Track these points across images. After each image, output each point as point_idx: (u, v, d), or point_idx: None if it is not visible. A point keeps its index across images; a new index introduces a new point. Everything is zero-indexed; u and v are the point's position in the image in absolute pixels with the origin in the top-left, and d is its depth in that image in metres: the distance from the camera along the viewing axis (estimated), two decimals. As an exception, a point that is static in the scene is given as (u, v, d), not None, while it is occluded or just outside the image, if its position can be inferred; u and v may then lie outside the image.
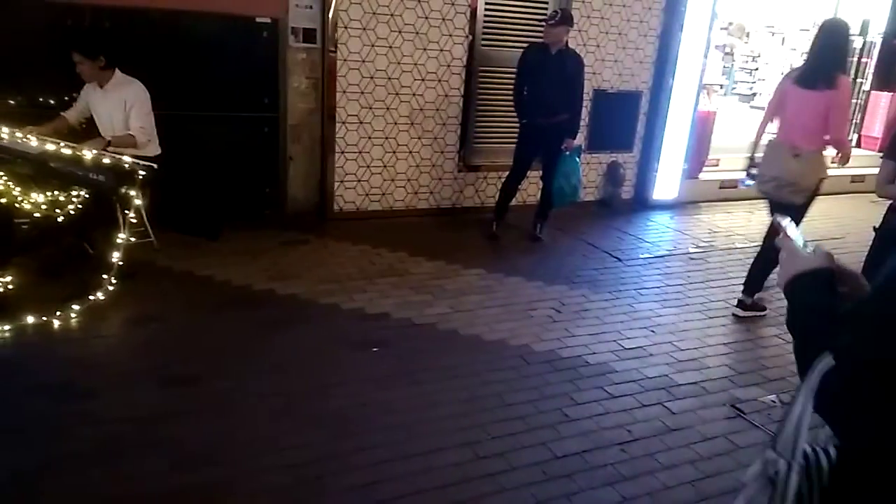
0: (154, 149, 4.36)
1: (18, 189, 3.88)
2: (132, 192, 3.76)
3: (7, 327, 3.38)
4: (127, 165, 3.76)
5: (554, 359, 3.64)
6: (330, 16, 5.27)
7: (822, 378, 1.08)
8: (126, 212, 3.81)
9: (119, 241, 3.83)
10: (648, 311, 4.36)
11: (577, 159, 5.48)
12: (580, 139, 5.63)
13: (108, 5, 4.63)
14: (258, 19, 5.16)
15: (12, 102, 4.54)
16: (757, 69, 13.69)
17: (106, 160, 3.73)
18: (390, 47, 5.61)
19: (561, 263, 5.14)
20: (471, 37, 5.88)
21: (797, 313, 1.22)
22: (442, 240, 5.50)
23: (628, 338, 3.96)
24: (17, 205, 3.86)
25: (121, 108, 4.19)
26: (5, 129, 3.87)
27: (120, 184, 3.69)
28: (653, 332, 4.07)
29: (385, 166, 5.90)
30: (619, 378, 3.50)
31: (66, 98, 4.49)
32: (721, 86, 11.86)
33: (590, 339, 3.89)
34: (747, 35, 13.47)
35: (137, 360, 3.35)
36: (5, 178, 3.88)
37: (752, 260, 4.46)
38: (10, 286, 3.67)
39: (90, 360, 3.29)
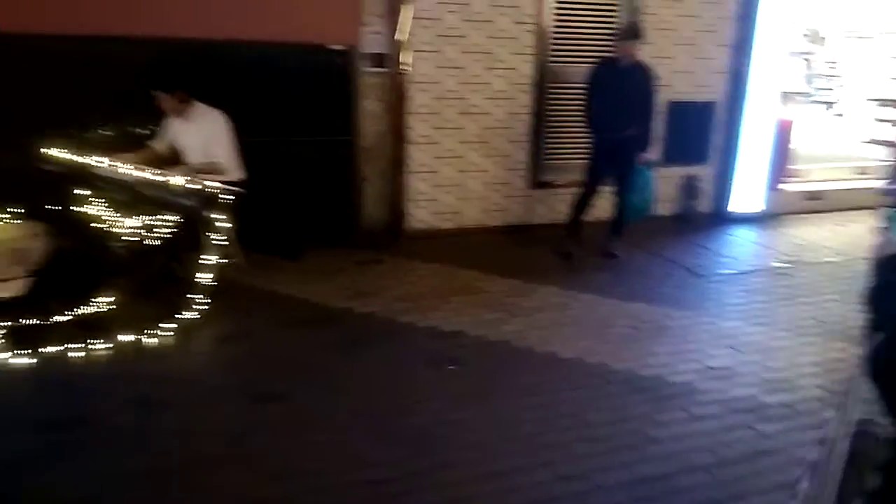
0: (238, 173, 4.55)
1: (114, 214, 4.11)
2: (219, 216, 3.92)
3: (105, 344, 3.57)
4: (213, 191, 3.94)
5: (634, 378, 3.55)
6: (400, 41, 5.39)
7: (874, 348, 1.15)
8: (213, 234, 3.97)
9: (208, 262, 4.00)
10: (733, 329, 4.20)
11: (650, 173, 5.38)
12: (654, 152, 5.52)
13: (189, 39, 4.88)
14: (332, 47, 5.33)
15: (107, 133, 4.82)
16: (836, 76, 13.11)
17: (193, 186, 3.92)
18: (459, 68, 5.68)
19: (637, 280, 5.03)
20: (539, 54, 5.89)
21: (874, 289, 1.37)
22: (514, 257, 5.49)
23: (712, 357, 3.83)
24: (113, 229, 4.08)
25: (203, 137, 4.40)
26: (102, 159, 4.13)
27: (207, 208, 3.87)
28: (738, 350, 3.92)
29: (456, 185, 5.96)
30: (704, 398, 3.38)
31: (154, 128, 4.73)
32: (804, 94, 11.42)
33: (671, 358, 3.79)
34: (823, 41, 12.94)
35: (226, 377, 3.48)
36: (102, 204, 4.12)
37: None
38: (107, 306, 3.88)
39: (181, 376, 3.43)
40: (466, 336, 3.99)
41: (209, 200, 3.91)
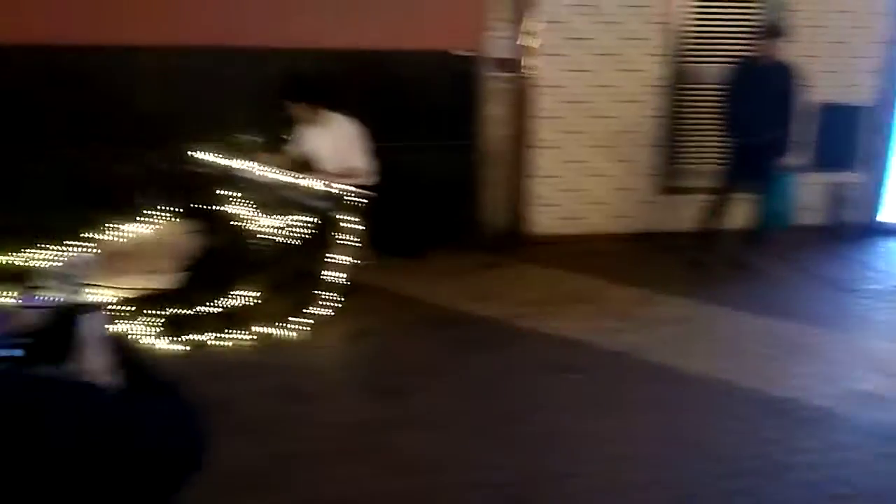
0: (371, 178, 4.75)
1: (256, 214, 4.42)
2: (350, 218, 4.12)
3: (245, 336, 3.85)
4: (345, 194, 4.14)
5: (767, 399, 3.35)
6: (527, 45, 5.40)
7: None
8: (345, 235, 4.17)
9: (339, 261, 4.21)
10: (882, 351, 3.86)
11: (791, 180, 5.05)
12: (797, 157, 5.17)
13: (319, 49, 5.15)
14: (457, 53, 5.42)
15: (250, 138, 5.17)
16: None
17: (327, 189, 4.13)
18: (587, 71, 5.60)
19: (776, 293, 4.74)
20: (671, 55, 5.69)
21: None
22: (640, 265, 5.34)
23: (857, 380, 3.53)
24: (254, 228, 4.39)
25: (336, 144, 4.62)
26: (247, 162, 4.46)
27: (339, 210, 4.07)
28: (888, 375, 3.60)
29: (580, 190, 5.88)
30: (846, 425, 3.13)
31: (292, 135, 5.01)
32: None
33: (811, 380, 3.54)
34: None
35: (352, 371, 3.67)
36: (245, 204, 4.44)
37: None
38: (249, 300, 4.18)
39: (313, 368, 3.65)
40: (586, 345, 3.94)
41: (341, 203, 4.11)
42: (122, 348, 1.02)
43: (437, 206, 5.44)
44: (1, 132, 4.36)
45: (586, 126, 5.73)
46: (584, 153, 5.80)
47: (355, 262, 4.58)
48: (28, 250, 4.67)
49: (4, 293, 4.03)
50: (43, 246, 4.66)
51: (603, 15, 5.51)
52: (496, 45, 5.44)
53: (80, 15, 4.86)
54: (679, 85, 5.78)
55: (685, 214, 5.90)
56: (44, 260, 4.45)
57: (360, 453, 2.86)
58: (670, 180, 5.99)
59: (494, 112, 5.62)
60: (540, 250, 5.60)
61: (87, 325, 1.02)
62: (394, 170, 5.20)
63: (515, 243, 5.75)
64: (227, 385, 3.40)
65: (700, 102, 5.77)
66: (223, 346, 3.80)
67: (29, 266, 4.54)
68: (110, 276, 4.13)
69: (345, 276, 4.27)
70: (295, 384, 3.42)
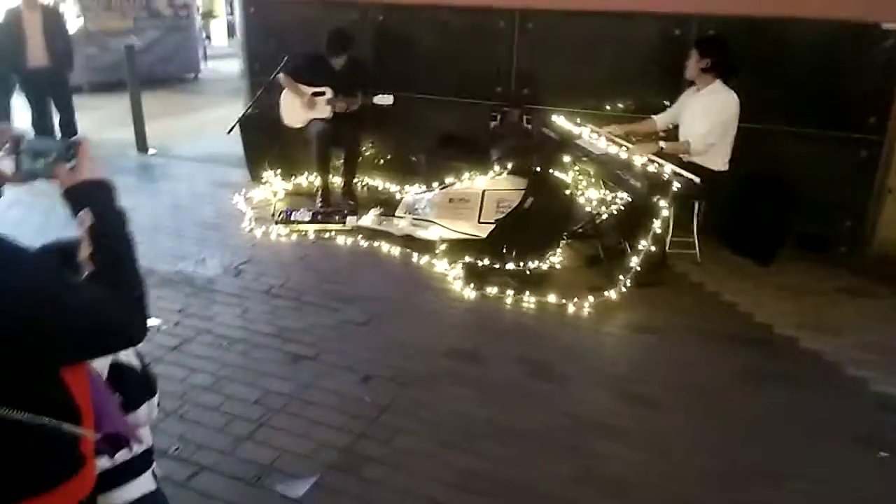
0: (718, 162, 4.24)
1: (583, 185, 4.37)
2: (663, 203, 3.75)
3: (534, 299, 3.90)
4: (664, 177, 3.76)
5: None
6: None
7: None
8: (657, 221, 3.82)
9: (648, 247, 3.88)
10: None
11: None
12: None
13: (716, 15, 4.66)
14: (885, 26, 4.31)
15: (620, 106, 5.03)
16: None
17: (649, 168, 3.82)
18: None
19: None
20: None
21: None
22: None
23: None
24: (578, 198, 4.36)
25: (700, 114, 4.21)
26: (587, 130, 4.40)
27: (654, 193, 3.73)
28: None
29: None
30: None
31: (667, 103, 4.68)
32: None
33: None
34: None
35: (615, 366, 3.39)
36: (577, 173, 4.43)
37: None
38: (551, 266, 4.22)
39: (578, 350, 3.50)
40: (937, 423, 2.93)
41: (658, 186, 3.74)
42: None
43: (809, 206, 4.54)
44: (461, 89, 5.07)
45: None
46: None
47: (679, 252, 4.20)
48: (396, 183, 5.51)
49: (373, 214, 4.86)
50: (408, 181, 5.44)
51: None
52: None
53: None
54: None
55: None
56: (404, 192, 5.21)
57: (564, 451, 2.71)
58: None
59: (924, 103, 4.37)
60: (943, 288, 4.26)
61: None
62: (765, 155, 4.56)
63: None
64: (493, 340, 3.55)
65: None
66: (511, 303, 3.92)
67: (393, 195, 5.37)
68: (445, 216, 4.63)
69: (651, 263, 3.96)
70: (551, 361, 3.35)
